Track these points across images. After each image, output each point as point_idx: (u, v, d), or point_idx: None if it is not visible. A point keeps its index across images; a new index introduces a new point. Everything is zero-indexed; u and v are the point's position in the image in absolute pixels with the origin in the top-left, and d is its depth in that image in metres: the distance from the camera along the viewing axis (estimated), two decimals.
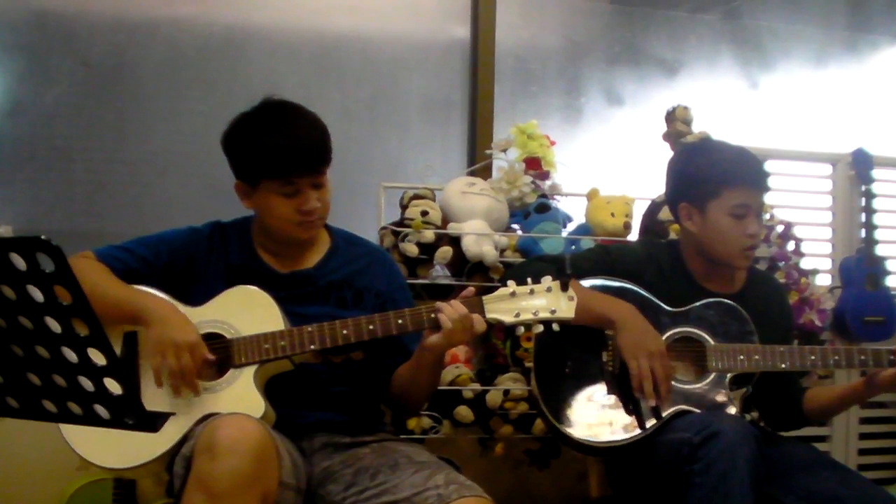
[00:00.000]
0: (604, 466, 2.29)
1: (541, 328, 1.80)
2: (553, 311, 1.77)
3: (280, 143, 1.81)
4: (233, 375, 1.78)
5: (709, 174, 2.07)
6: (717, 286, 2.15)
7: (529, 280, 1.80)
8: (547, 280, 1.79)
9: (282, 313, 1.82)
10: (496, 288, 1.82)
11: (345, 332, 1.80)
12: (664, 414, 2.00)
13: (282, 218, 1.87)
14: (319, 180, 1.87)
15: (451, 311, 1.76)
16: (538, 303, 1.78)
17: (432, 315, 1.78)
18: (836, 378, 3.14)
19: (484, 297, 1.80)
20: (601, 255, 2.18)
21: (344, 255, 2.00)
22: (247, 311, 1.82)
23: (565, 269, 1.78)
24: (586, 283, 2.10)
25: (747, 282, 2.19)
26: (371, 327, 1.80)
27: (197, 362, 1.74)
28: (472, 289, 1.83)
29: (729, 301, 2.10)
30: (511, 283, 1.80)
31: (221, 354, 1.80)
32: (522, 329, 1.83)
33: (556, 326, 1.80)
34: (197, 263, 1.93)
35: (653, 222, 2.83)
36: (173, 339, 1.73)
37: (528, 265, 2.17)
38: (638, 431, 2.01)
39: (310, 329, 1.79)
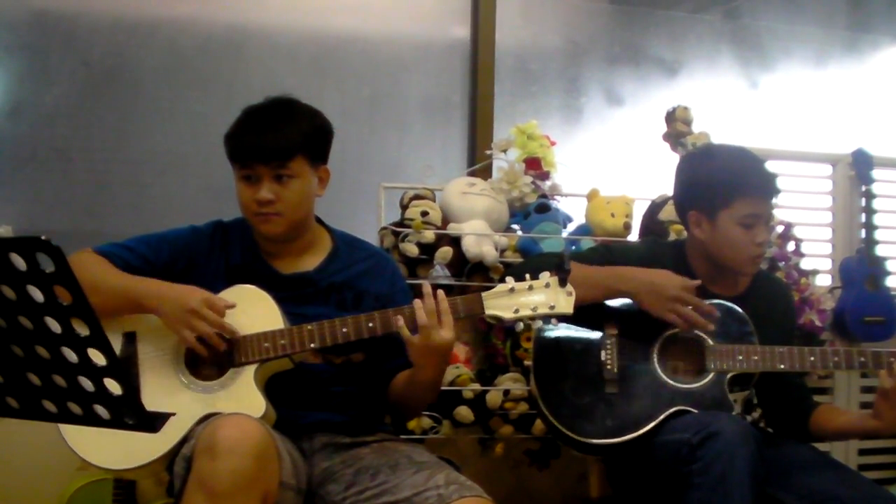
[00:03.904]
0: (604, 466, 2.29)
1: (540, 323, 1.81)
2: (552, 307, 1.77)
3: (242, 128, 1.85)
4: (233, 375, 1.79)
5: (720, 184, 2.06)
6: (720, 288, 2.15)
7: (527, 276, 1.79)
8: (545, 276, 1.79)
9: (282, 313, 1.82)
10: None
11: (344, 329, 1.80)
12: (661, 417, 2.00)
13: (243, 205, 1.89)
14: (282, 172, 1.84)
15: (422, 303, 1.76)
16: (537, 298, 1.78)
17: None
18: (835, 378, 3.14)
19: (483, 294, 1.80)
20: (604, 255, 2.18)
21: (345, 258, 2.00)
22: (247, 310, 1.82)
23: (563, 264, 1.78)
24: None
25: (751, 284, 2.19)
26: (371, 325, 1.80)
27: (218, 311, 1.75)
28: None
29: (728, 303, 2.11)
30: (509, 279, 1.80)
31: (222, 354, 1.80)
32: (522, 326, 1.84)
33: (554, 322, 1.80)
34: (198, 263, 1.93)
35: (653, 222, 2.84)
36: (186, 306, 1.74)
37: (530, 262, 2.18)
38: (638, 430, 2.01)
39: (309, 327, 1.79)
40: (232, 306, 1.78)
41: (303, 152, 1.86)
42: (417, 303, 1.77)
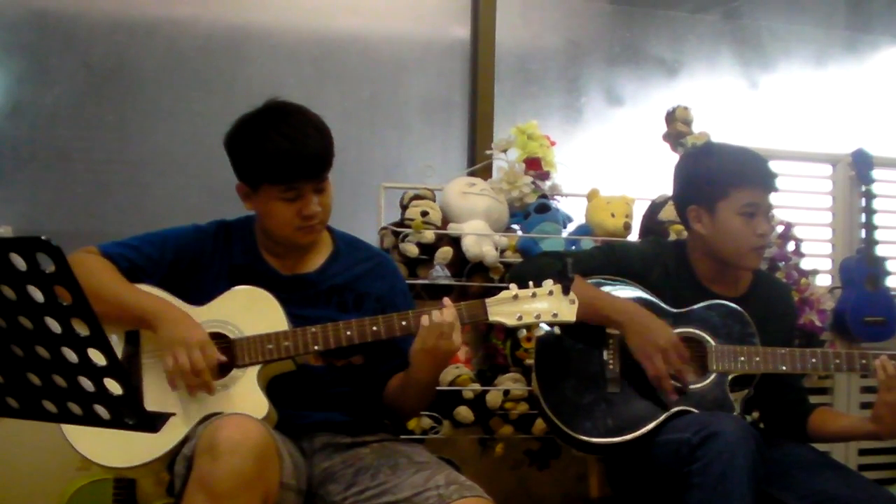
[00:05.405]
0: (604, 466, 2.29)
1: (542, 330, 1.81)
2: (555, 315, 1.79)
3: (282, 149, 1.80)
4: (236, 375, 1.79)
5: (717, 175, 2.08)
6: (722, 288, 2.15)
7: (531, 283, 1.80)
8: (548, 284, 1.80)
9: (286, 315, 1.82)
10: (496, 288, 1.83)
11: (348, 332, 1.80)
12: (661, 417, 2.00)
13: (282, 222, 1.86)
14: (321, 185, 1.86)
15: (435, 315, 1.76)
16: (540, 306, 1.79)
17: None
18: (835, 378, 3.14)
19: (487, 300, 1.81)
20: (607, 254, 2.19)
21: (346, 259, 2.00)
22: (250, 311, 1.82)
23: (567, 272, 1.78)
24: (589, 282, 2.10)
25: (752, 284, 2.19)
26: (375, 328, 1.80)
27: (209, 360, 1.74)
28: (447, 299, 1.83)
29: (730, 303, 2.11)
30: (513, 286, 1.81)
31: (225, 354, 1.79)
32: (524, 330, 1.84)
33: (557, 329, 1.81)
34: (201, 262, 1.93)
35: (653, 222, 2.84)
36: (184, 339, 1.73)
37: (534, 261, 2.19)
38: (639, 430, 2.01)
39: (313, 330, 1.79)
40: (224, 362, 1.77)
41: (332, 161, 1.88)
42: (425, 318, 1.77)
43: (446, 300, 1.80)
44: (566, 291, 1.79)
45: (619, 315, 2.03)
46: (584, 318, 1.88)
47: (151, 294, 1.84)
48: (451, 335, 1.75)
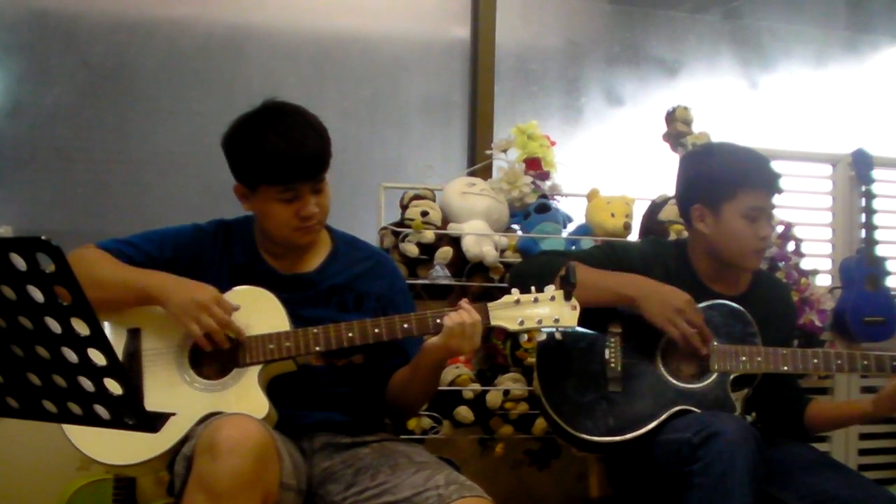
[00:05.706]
0: (604, 466, 2.29)
1: (544, 336, 1.82)
2: (556, 320, 1.79)
3: (280, 150, 1.80)
4: (237, 375, 1.79)
5: (725, 176, 2.08)
6: (722, 287, 2.15)
7: (533, 289, 1.81)
8: (550, 289, 1.81)
9: (287, 315, 1.82)
10: (496, 289, 1.83)
11: (350, 334, 1.80)
12: (663, 416, 2.00)
13: (280, 223, 1.86)
14: (319, 186, 1.86)
15: (456, 316, 1.76)
16: (542, 311, 1.80)
17: (438, 320, 1.79)
18: (835, 379, 3.14)
19: (489, 304, 1.82)
20: (607, 254, 2.19)
21: (345, 258, 2.00)
22: (252, 311, 1.82)
23: (569, 277, 1.79)
24: None
25: (752, 283, 2.20)
26: (377, 330, 1.80)
27: (227, 311, 1.75)
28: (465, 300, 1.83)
29: (732, 303, 2.11)
30: (515, 290, 1.82)
31: (227, 354, 1.80)
32: (525, 337, 1.85)
33: (558, 335, 1.82)
34: (201, 261, 1.93)
35: (653, 222, 2.84)
36: (196, 299, 1.74)
37: (534, 260, 2.19)
38: (640, 429, 2.01)
39: (315, 330, 1.79)
40: (237, 308, 1.78)
41: (329, 162, 1.88)
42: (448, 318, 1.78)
43: (463, 302, 1.80)
44: (568, 297, 1.80)
45: (631, 289, 2.04)
46: (594, 302, 1.89)
47: (152, 271, 1.84)
48: (474, 336, 1.77)
